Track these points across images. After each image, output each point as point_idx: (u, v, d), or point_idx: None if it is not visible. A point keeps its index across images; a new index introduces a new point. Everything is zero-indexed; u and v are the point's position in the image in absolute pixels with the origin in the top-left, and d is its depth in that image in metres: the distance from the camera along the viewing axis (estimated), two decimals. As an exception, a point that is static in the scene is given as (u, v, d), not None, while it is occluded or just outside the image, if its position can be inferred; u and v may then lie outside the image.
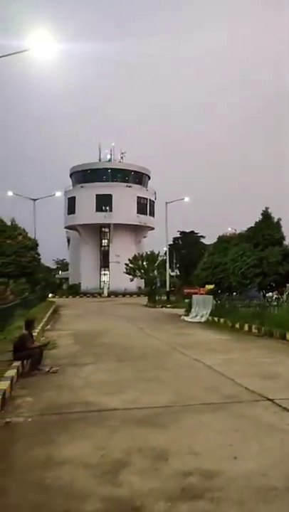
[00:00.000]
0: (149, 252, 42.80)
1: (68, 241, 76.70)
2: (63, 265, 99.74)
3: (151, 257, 41.84)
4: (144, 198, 63.82)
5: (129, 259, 43.35)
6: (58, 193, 48.53)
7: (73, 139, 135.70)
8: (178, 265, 76.47)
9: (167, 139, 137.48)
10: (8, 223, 22.61)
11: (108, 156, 66.38)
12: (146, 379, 7.80)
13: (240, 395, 6.60)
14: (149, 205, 64.79)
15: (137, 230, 64.34)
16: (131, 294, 55.29)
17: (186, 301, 27.35)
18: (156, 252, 42.58)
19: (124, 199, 60.74)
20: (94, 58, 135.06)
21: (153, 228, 66.39)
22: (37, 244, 25.43)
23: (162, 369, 8.68)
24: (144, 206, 63.86)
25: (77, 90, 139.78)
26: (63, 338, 13.55)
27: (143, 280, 47.69)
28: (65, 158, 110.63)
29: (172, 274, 71.36)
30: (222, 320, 17.61)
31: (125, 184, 62.61)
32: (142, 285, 58.03)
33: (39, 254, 25.65)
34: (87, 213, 60.41)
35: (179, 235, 76.00)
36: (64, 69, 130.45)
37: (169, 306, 31.56)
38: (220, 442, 4.73)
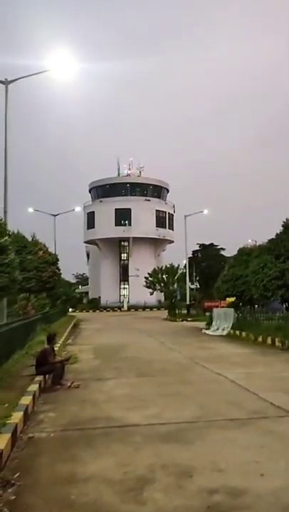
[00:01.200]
0: (168, 265, 42.71)
1: (88, 255, 77.38)
2: (83, 279, 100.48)
3: (171, 270, 41.72)
4: (162, 212, 64.05)
5: (148, 273, 43.32)
6: (78, 208, 49.17)
7: (93, 156, 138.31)
8: (198, 278, 76.07)
9: (185, 153, 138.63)
10: (29, 239, 22.95)
11: (126, 171, 67.25)
12: (169, 393, 7.73)
13: (265, 410, 6.46)
14: (168, 219, 64.95)
15: (156, 244, 64.45)
16: (151, 308, 55.14)
17: (207, 314, 27.12)
18: (176, 265, 42.46)
19: (143, 213, 61.09)
20: (113, 76, 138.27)
21: (172, 241, 66.44)
22: (57, 259, 25.69)
23: (184, 383, 8.59)
24: (163, 219, 64.05)
25: (96, 108, 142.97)
26: (84, 353, 13.56)
27: (163, 293, 47.56)
28: (85, 174, 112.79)
29: (192, 287, 71.07)
30: (244, 333, 17.36)
31: (144, 198, 63.06)
32: (162, 298, 57.84)
33: (59, 269, 25.89)
34: (107, 227, 60.93)
35: (198, 248, 75.93)
36: (83, 88, 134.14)
37: (189, 319, 31.40)
38: (246, 459, 4.62)
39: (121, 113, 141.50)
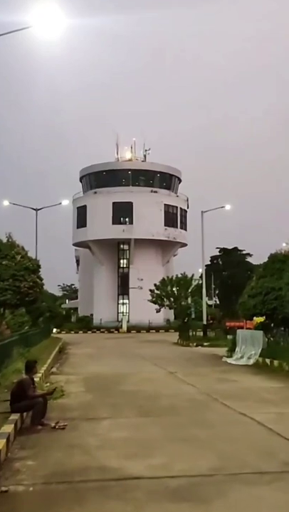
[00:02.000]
0: (180, 275, 42.65)
1: (78, 262, 77.59)
2: (71, 292, 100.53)
3: (184, 280, 41.67)
4: (173, 207, 64.23)
5: (154, 284, 43.28)
6: (66, 202, 49.17)
7: (85, 134, 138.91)
8: (217, 291, 76.07)
9: (200, 134, 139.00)
10: (4, 240, 22.84)
11: (128, 155, 67.43)
12: (180, 438, 7.73)
13: (303, 461, 6.47)
14: (180, 215, 65.15)
15: (165, 247, 64.60)
16: (157, 329, 55.11)
17: (229, 337, 27.06)
18: (190, 275, 42.40)
19: (149, 208, 61.28)
20: (109, 34, 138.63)
21: (185, 244, 66.57)
22: (39, 266, 25.70)
23: (199, 425, 8.60)
24: (174, 216, 64.23)
25: (90, 74, 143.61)
26: (73, 385, 13.60)
27: (173, 311, 47.42)
28: (75, 158, 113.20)
29: (210, 302, 70.97)
30: (276, 362, 17.32)
31: (149, 189, 63.25)
32: (172, 317, 57.65)
33: (42, 279, 25.87)
34: (102, 226, 61.15)
35: (218, 253, 76.04)
36: (74, 49, 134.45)
37: (206, 344, 31.40)
38: (278, 523, 4.63)
39: (121, 81, 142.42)
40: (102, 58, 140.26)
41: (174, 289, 41.83)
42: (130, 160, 66.75)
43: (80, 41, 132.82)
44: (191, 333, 36.14)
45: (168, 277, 43.85)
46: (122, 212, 62.02)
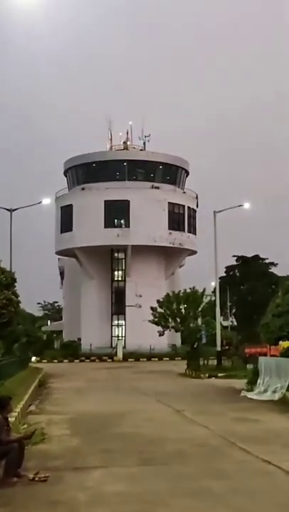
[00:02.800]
0: (188, 290, 42.63)
1: (62, 274, 77.58)
2: (54, 312, 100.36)
3: (193, 297, 41.57)
4: (179, 206, 64.42)
5: (157, 301, 43.19)
6: (46, 200, 49.31)
7: (70, 117, 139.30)
8: (234, 310, 75.93)
9: (209, 115, 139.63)
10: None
11: (123, 142, 67.72)
12: (189, 492, 7.72)
13: None
14: (188, 216, 65.35)
15: (169, 256, 64.79)
16: (160, 356, 55.11)
17: (249, 366, 27.05)
18: (201, 290, 42.40)
19: (149, 207, 61.45)
20: (103, 7, 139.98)
21: (194, 252, 66.79)
22: (14, 280, 25.76)
23: (213, 476, 8.58)
24: (180, 218, 64.44)
25: (75, 45, 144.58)
26: (56, 426, 13.59)
27: (179, 334, 47.32)
28: (59, 146, 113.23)
29: (226, 324, 70.71)
30: (308, 397, 17.32)
31: (150, 184, 63.50)
32: (178, 342, 57.45)
33: (17, 295, 25.93)
34: (91, 230, 61.24)
35: (235, 263, 76.05)
36: (56, 16, 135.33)
37: (221, 375, 31.40)
38: None
39: (112, 51, 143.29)
40: (87, 24, 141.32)
41: (180, 307, 41.68)
42: (126, 149, 67.17)
43: (62, 7, 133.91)
44: (202, 362, 36.12)
45: (173, 293, 43.69)
46: (117, 213, 62.20)
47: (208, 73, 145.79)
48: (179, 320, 41.47)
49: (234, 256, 76.21)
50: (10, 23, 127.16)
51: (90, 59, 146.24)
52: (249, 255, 75.83)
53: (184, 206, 64.92)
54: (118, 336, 62.69)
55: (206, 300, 42.64)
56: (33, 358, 49.22)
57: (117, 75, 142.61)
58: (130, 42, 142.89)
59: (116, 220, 62.33)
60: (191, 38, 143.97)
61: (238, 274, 75.92)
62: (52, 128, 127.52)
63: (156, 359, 54.44)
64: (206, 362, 36.82)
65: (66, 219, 64.40)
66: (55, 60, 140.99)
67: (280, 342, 22.79)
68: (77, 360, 55.67)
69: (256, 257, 75.87)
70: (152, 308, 43.02)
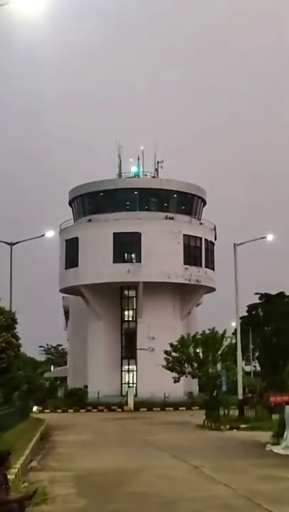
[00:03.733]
0: (206, 331, 42.45)
1: (66, 314, 77.58)
2: (58, 356, 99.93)
3: (212, 339, 41.35)
4: (195, 238, 64.63)
5: (171, 345, 43.03)
6: (50, 233, 49.69)
7: (77, 142, 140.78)
8: (258, 354, 75.32)
9: (230, 140, 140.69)
10: None
11: (134, 169, 68.44)
12: None
13: None
14: (206, 250, 65.52)
15: (185, 294, 64.87)
16: (176, 406, 54.86)
17: (275, 417, 26.79)
18: (220, 331, 42.21)
19: (162, 240, 61.66)
20: (105, 9, 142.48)
21: (213, 289, 66.85)
22: (15, 321, 25.86)
23: None
24: (197, 251, 64.59)
25: (80, 61, 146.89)
26: (60, 485, 13.52)
27: (197, 381, 46.98)
28: (64, 175, 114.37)
29: (248, 369, 69.97)
30: None
31: (164, 215, 63.88)
32: (195, 389, 56.92)
33: (18, 338, 26.01)
34: (99, 266, 61.48)
35: (258, 301, 75.61)
36: (61, 28, 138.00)
37: (243, 427, 31.17)
38: None
39: (123, 69, 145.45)
40: (94, 39, 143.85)
41: (198, 350, 41.51)
42: (137, 176, 67.89)
43: (66, 19, 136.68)
44: (222, 412, 35.87)
45: (189, 335, 43.58)
46: (127, 247, 62.72)
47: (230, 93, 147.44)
48: (196, 365, 41.21)
49: (257, 293, 75.84)
50: (13, 32, 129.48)
51: (96, 78, 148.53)
52: (273, 292, 75.35)
53: (200, 239, 65.13)
54: (129, 383, 62.46)
55: (226, 343, 42.38)
56: (35, 408, 49.01)
57: (127, 96, 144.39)
58: (139, 60, 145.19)
59: (126, 255, 62.67)
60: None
61: (261, 313, 75.42)
62: (55, 155, 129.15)
63: (171, 409, 54.22)
64: (226, 412, 36.48)
65: (71, 253, 64.72)
66: (57, 78, 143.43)
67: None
68: (84, 410, 55.59)
69: (281, 295, 75.28)
70: (166, 352, 42.82)
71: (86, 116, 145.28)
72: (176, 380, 43.20)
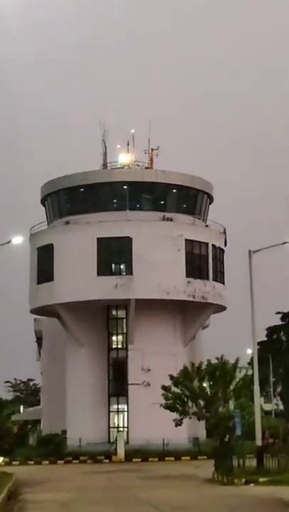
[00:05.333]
0: (215, 361, 42.50)
1: (39, 341, 77.39)
2: (29, 394, 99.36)
3: (222, 370, 41.46)
4: (200, 244, 64.49)
5: (171, 377, 43.10)
6: (18, 239, 49.50)
7: (51, 128, 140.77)
8: (280, 388, 75.07)
9: (244, 122, 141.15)
10: None
11: (123, 158, 68.39)
12: None
13: None
14: (213, 259, 65.36)
15: (188, 314, 64.96)
16: (178, 455, 55.02)
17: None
18: (232, 361, 42.27)
19: (159, 246, 61.56)
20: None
21: (223, 308, 66.98)
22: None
23: None
24: (202, 260, 64.47)
25: (61, 34, 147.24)
26: None
27: (203, 423, 46.95)
28: (36, 169, 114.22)
29: (268, 407, 69.71)
30: None
31: (160, 214, 63.76)
32: (202, 433, 56.93)
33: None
34: (80, 279, 61.34)
35: (279, 322, 75.39)
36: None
37: (263, 480, 31.21)
38: None
39: (109, 32, 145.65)
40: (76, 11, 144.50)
41: (204, 384, 41.56)
42: (127, 166, 67.84)
43: None
44: (236, 463, 35.82)
45: (193, 365, 43.61)
46: (115, 256, 62.76)
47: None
48: (202, 403, 41.25)
49: (279, 313, 76.10)
50: None
51: (78, 51, 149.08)
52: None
53: (206, 245, 64.91)
54: (118, 427, 62.13)
55: (240, 375, 42.45)
56: (0, 459, 48.84)
57: (113, 68, 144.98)
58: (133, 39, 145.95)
59: (114, 265, 62.61)
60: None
61: (283, 337, 75.67)
62: (23, 140, 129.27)
63: (172, 459, 54.31)
64: (241, 462, 36.45)
65: (45, 264, 64.59)
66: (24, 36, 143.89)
67: None
68: (62, 462, 55.75)
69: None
70: (165, 388, 42.82)
71: (62, 91, 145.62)
72: (178, 423, 43.21)
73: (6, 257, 67.03)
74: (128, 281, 61.25)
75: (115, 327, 64.77)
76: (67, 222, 64.60)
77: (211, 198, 68.34)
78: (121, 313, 64.13)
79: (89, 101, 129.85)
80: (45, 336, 73.32)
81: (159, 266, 60.78)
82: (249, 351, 46.04)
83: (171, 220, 63.75)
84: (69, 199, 66.08)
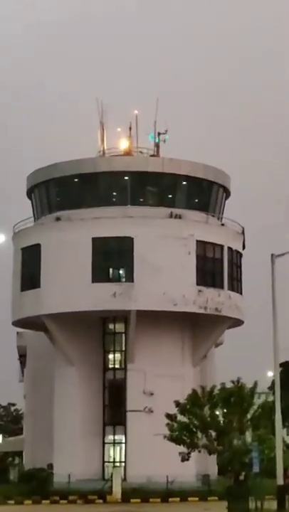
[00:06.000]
0: (232, 384, 42.15)
1: (22, 358, 77.25)
2: (10, 420, 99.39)
3: (237, 396, 41.16)
4: (214, 246, 64.28)
5: (177, 404, 42.78)
6: (0, 238, 49.42)
7: (40, 108, 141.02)
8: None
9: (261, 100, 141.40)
10: None
11: (124, 144, 68.11)
12: None
13: None
14: (229, 263, 65.24)
15: (199, 328, 64.85)
16: (184, 496, 54.74)
17: None
18: (250, 384, 41.91)
19: (165, 249, 61.30)
20: None
21: (240, 322, 66.83)
22: None
23: None
24: (216, 266, 64.32)
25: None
26: None
27: (215, 458, 46.64)
28: (26, 156, 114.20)
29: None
30: None
31: (168, 211, 63.56)
32: (214, 470, 56.72)
33: None
34: (71, 286, 61.15)
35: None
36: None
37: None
38: None
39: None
40: None
41: (217, 412, 41.24)
42: (128, 153, 67.65)
43: None
44: (253, 505, 36.32)
45: (204, 389, 43.30)
46: (113, 259, 62.91)
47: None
48: (214, 434, 40.92)
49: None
50: None
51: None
52: None
53: (221, 247, 64.73)
54: (114, 461, 62.14)
55: (258, 401, 42.09)
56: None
57: (112, 38, 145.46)
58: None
59: (111, 270, 62.49)
60: None
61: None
62: (6, 122, 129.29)
63: (178, 499, 54.04)
64: (259, 504, 36.15)
65: (30, 268, 64.58)
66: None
67: None
68: (47, 501, 55.55)
69: None
70: (170, 416, 42.47)
71: (53, 63, 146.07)
72: (185, 458, 42.93)
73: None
74: (128, 290, 60.99)
75: (112, 343, 64.68)
76: (58, 219, 64.35)
77: (227, 192, 68.16)
78: (119, 327, 63.98)
79: (85, 77, 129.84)
80: (29, 353, 73.16)
81: (165, 271, 60.62)
82: (270, 374, 45.62)
83: (180, 217, 63.49)
84: (60, 191, 65.95)
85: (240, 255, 66.79)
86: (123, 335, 63.52)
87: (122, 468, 60.41)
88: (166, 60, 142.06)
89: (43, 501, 55.29)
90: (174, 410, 42.52)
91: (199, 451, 42.76)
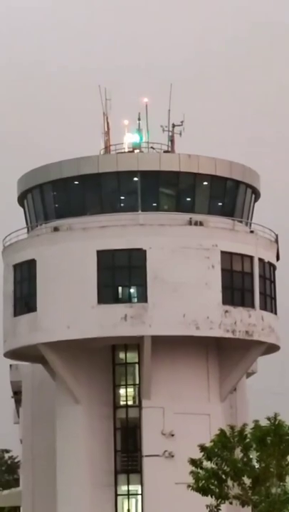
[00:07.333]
0: (267, 422, 42.22)
1: (17, 396, 77.51)
2: (3, 471, 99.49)
3: (275, 435, 41.21)
4: (242, 257, 64.45)
5: (202, 448, 42.88)
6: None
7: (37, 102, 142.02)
8: None
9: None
10: None
11: (132, 138, 68.52)
12: None
13: None
14: (261, 278, 65.28)
15: (227, 355, 65.03)
16: None
17: None
18: (291, 420, 42.01)
19: (184, 262, 61.56)
20: None
21: (276, 347, 66.89)
22: None
23: None
24: (246, 281, 64.43)
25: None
26: None
27: (250, 509, 46.83)
28: (17, 154, 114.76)
29: None
30: None
31: (186, 217, 63.78)
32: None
33: None
34: (73, 309, 61.46)
35: None
36: None
37: None
38: None
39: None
40: None
41: (251, 456, 41.30)
42: (137, 150, 68.00)
43: None
44: None
45: (234, 428, 43.37)
46: (122, 275, 63.03)
47: None
48: (248, 482, 40.96)
49: None
50: None
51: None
52: None
53: (251, 259, 64.83)
54: (129, 513, 62.21)
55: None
56: None
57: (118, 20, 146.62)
58: None
59: (121, 289, 62.82)
60: None
61: None
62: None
63: None
64: None
65: (24, 288, 65.00)
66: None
67: None
68: None
69: None
70: (194, 462, 42.54)
71: (50, 45, 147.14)
72: (214, 511, 42.97)
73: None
74: (141, 312, 61.14)
75: (124, 376, 64.99)
76: (56, 229, 64.46)
77: (256, 194, 68.38)
78: (131, 357, 64.25)
79: (86, 62, 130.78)
80: (25, 389, 73.37)
81: (184, 289, 60.90)
82: (313, 408, 45.53)
83: (201, 224, 63.60)
84: (57, 196, 66.17)
85: (274, 268, 66.96)
86: (136, 365, 63.81)
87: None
88: (178, 46, 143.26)
89: None
90: (198, 454, 42.56)
91: (230, 503, 42.78)
